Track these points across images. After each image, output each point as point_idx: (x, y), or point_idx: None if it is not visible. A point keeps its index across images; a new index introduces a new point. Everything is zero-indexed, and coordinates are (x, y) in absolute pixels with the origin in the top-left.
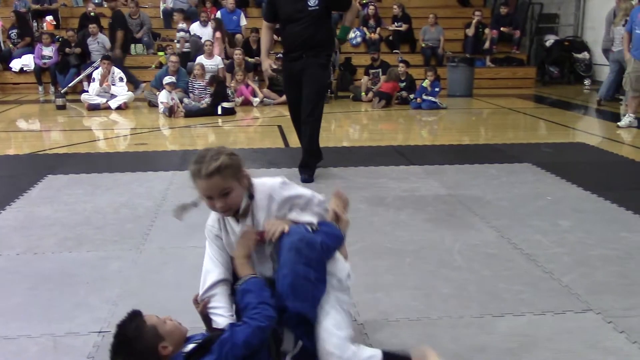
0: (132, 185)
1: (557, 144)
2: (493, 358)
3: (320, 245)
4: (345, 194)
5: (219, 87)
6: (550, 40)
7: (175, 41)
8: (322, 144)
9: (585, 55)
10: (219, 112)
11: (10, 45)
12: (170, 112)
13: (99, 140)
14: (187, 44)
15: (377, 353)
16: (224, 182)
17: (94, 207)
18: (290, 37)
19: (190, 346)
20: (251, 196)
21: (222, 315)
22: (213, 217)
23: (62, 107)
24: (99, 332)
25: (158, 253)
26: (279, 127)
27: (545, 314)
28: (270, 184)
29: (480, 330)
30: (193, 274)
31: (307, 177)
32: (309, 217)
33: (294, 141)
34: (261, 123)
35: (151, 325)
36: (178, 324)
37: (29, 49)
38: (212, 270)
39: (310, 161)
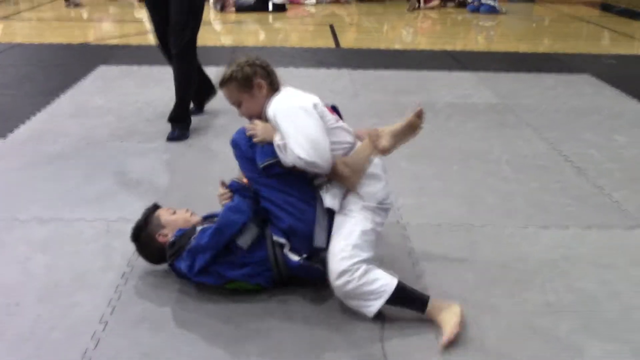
0: None
1: (620, 56)
2: (534, 268)
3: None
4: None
5: None
6: None
7: None
8: (373, 45)
9: None
10: (270, 8)
11: None
12: (222, 6)
13: (150, 32)
14: None
15: (391, 282)
16: (230, 94)
17: (145, 99)
18: None
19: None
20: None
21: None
22: None
23: None
24: None
25: (206, 147)
26: (331, 26)
27: (591, 228)
28: (275, 102)
29: (523, 241)
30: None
31: (178, 133)
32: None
33: (345, 41)
34: (312, 22)
35: (155, 216)
36: (189, 215)
37: None
38: None
39: (179, 111)
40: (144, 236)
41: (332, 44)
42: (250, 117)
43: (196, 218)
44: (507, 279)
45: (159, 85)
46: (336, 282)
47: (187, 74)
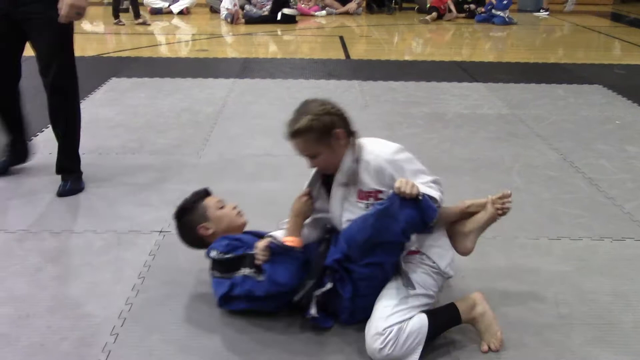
0: (193, 90)
1: (631, 66)
2: (546, 280)
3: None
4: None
5: None
6: None
7: None
8: (383, 56)
9: None
10: (279, 18)
11: None
12: (232, 18)
13: (161, 45)
14: None
15: (423, 320)
16: (306, 145)
17: (155, 111)
18: None
19: (220, 253)
20: (357, 160)
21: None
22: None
23: (126, 11)
24: (160, 231)
25: (217, 159)
26: (340, 37)
27: (603, 239)
28: (383, 157)
29: (534, 252)
30: (250, 182)
31: (65, 186)
32: (435, 192)
33: (355, 52)
34: (322, 33)
35: (203, 205)
36: (237, 214)
37: None
38: None
39: (65, 162)
40: (187, 220)
41: (342, 55)
42: (327, 170)
43: (241, 220)
44: (518, 291)
45: (169, 97)
46: (372, 346)
47: (65, 109)
